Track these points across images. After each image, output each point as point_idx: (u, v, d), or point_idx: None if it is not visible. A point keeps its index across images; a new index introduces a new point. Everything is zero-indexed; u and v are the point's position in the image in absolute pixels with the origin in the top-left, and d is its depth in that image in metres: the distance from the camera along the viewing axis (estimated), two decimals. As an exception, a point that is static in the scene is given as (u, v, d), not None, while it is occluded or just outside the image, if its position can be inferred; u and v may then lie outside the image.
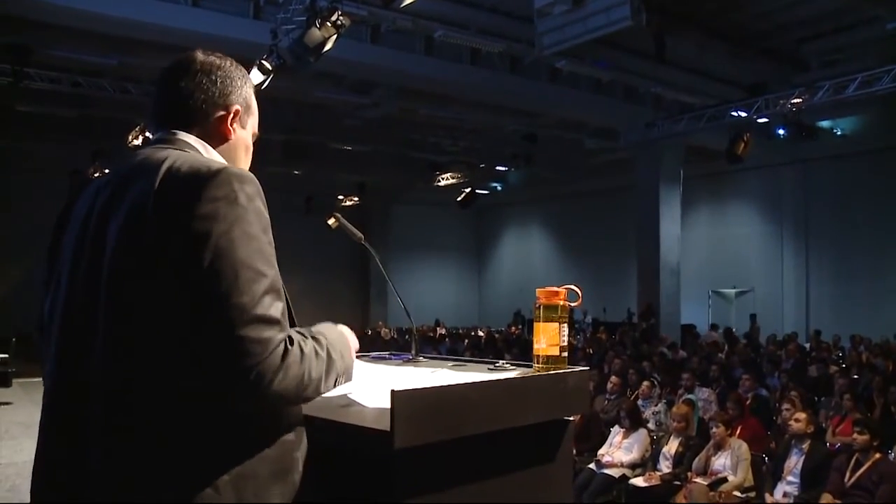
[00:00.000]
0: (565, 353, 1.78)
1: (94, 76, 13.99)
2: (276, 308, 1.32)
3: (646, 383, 8.90)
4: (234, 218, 1.31)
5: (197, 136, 1.54)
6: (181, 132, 1.54)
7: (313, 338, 1.43)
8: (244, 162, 1.65)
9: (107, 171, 16.15)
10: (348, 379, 1.54)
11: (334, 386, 1.48)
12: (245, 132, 1.65)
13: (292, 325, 1.51)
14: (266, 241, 1.36)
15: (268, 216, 1.39)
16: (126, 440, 1.30)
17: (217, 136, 1.58)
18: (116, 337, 1.33)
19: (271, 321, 1.30)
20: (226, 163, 1.48)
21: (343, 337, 1.57)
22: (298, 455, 1.44)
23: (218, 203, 1.31)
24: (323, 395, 1.46)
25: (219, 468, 1.30)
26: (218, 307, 1.26)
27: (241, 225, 1.31)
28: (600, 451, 7.30)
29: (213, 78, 1.57)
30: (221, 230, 1.29)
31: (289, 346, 1.32)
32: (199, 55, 1.59)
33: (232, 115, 1.59)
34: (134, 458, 1.29)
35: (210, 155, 1.54)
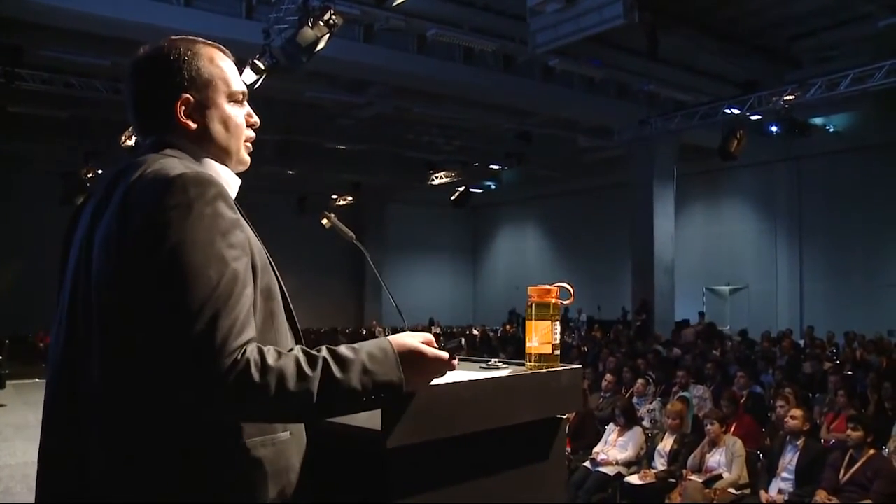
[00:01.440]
0: (558, 352, 1.78)
1: (87, 77, 13.94)
2: (227, 319, 1.24)
3: (640, 381, 8.92)
4: (186, 225, 1.27)
5: (170, 137, 1.49)
6: (157, 135, 1.50)
7: (310, 355, 1.30)
8: (231, 137, 1.56)
9: (100, 171, 16.25)
10: (396, 395, 1.35)
11: (366, 407, 1.35)
12: (214, 109, 1.52)
13: (290, 322, 1.51)
14: (225, 244, 1.30)
15: (233, 216, 1.34)
16: (121, 447, 1.30)
17: (180, 131, 1.50)
18: (104, 345, 1.33)
19: (216, 333, 1.22)
20: (186, 168, 1.36)
21: (380, 350, 1.36)
22: (295, 455, 1.43)
23: (171, 212, 1.27)
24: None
25: (212, 469, 1.31)
26: (166, 321, 1.24)
27: (193, 232, 1.27)
28: (595, 449, 7.30)
29: (151, 79, 1.50)
30: (174, 239, 1.25)
31: (238, 359, 1.22)
32: (136, 57, 1.53)
33: (183, 106, 1.49)
34: (127, 462, 1.30)
35: (191, 153, 1.49)
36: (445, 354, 1.43)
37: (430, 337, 1.45)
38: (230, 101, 1.55)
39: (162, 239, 1.25)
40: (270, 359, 1.25)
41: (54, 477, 1.41)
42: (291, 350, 1.31)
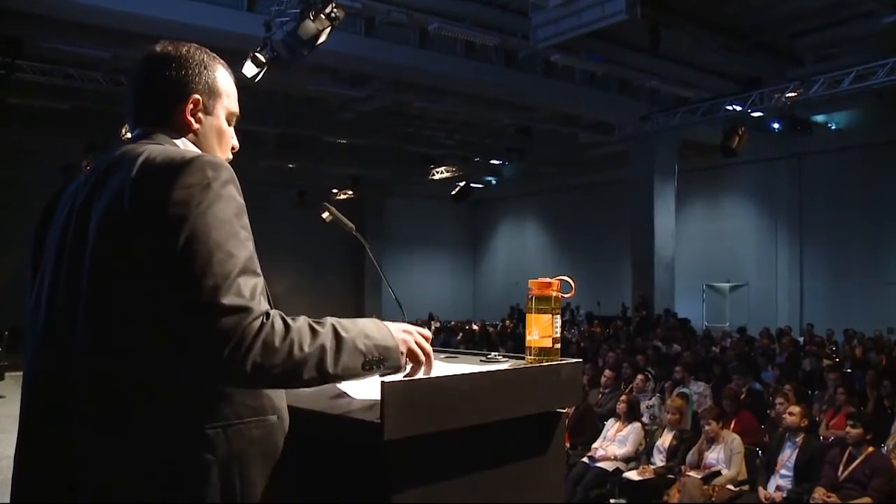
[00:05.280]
0: (558, 345, 1.77)
1: (87, 68, 13.92)
2: (249, 287, 1.32)
3: (640, 377, 8.92)
4: (207, 203, 1.33)
5: (167, 131, 1.55)
6: (153, 128, 1.55)
7: (316, 320, 1.42)
8: (219, 148, 1.64)
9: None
10: (394, 366, 1.48)
11: (366, 370, 1.44)
12: (214, 118, 1.61)
13: None
14: (239, 225, 1.37)
15: (242, 201, 1.41)
16: (112, 428, 1.31)
17: (181, 128, 1.57)
18: (99, 326, 1.34)
19: (244, 298, 1.30)
20: (200, 151, 1.49)
21: (378, 322, 1.52)
22: (280, 437, 1.45)
23: (191, 189, 1.33)
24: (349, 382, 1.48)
25: (206, 449, 1.33)
26: (191, 289, 1.28)
27: (214, 210, 1.33)
28: (594, 445, 7.31)
29: (168, 72, 1.55)
30: (195, 215, 1.31)
31: (265, 321, 1.31)
32: (156, 49, 1.58)
33: (191, 105, 1.57)
34: (120, 444, 1.31)
35: (186, 146, 1.54)
36: (428, 333, 1.59)
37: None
38: (226, 118, 1.65)
39: (183, 215, 1.30)
40: (289, 322, 1.35)
41: (42, 466, 1.40)
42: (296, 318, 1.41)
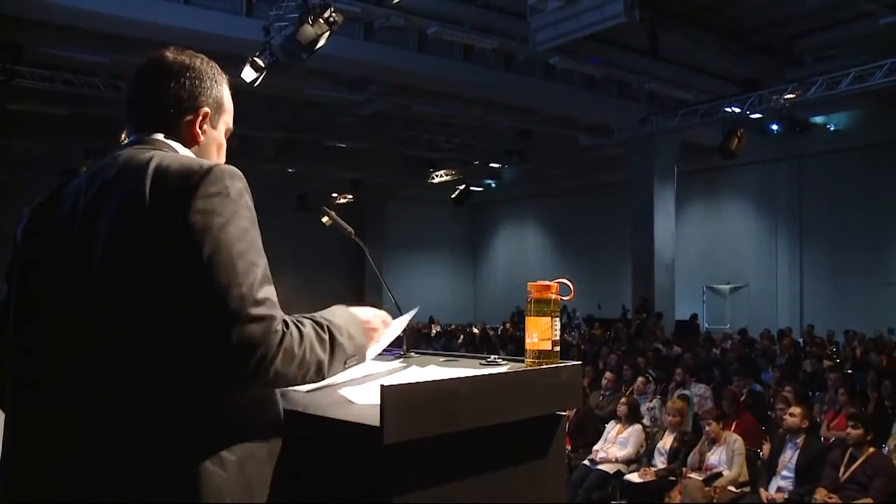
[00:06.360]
0: (557, 348, 1.77)
1: (87, 74, 13.94)
2: (270, 294, 1.37)
3: (641, 379, 8.92)
4: (230, 213, 1.36)
5: (169, 138, 1.56)
6: (155, 134, 1.55)
7: (316, 322, 1.48)
8: (217, 160, 1.64)
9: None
10: (362, 360, 1.59)
11: (344, 368, 1.53)
12: (216, 131, 1.66)
13: None
14: (255, 233, 1.41)
15: (254, 210, 1.43)
16: (127, 430, 1.31)
17: (187, 138, 1.59)
18: (115, 335, 1.33)
19: (268, 306, 1.35)
20: (212, 160, 1.51)
21: (354, 318, 1.60)
22: (280, 439, 1.47)
23: (213, 199, 1.35)
24: (326, 381, 1.52)
25: (225, 449, 1.34)
26: (218, 297, 1.30)
27: (235, 219, 1.37)
28: (595, 447, 7.30)
29: (182, 80, 1.58)
30: (219, 224, 1.34)
31: (285, 329, 1.36)
32: (168, 56, 1.60)
33: (200, 117, 1.60)
34: (141, 452, 1.31)
35: (187, 154, 1.55)
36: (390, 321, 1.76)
37: (383, 313, 1.75)
38: (224, 133, 1.70)
39: (207, 225, 1.33)
40: (301, 328, 1.41)
41: (51, 475, 1.37)
42: (301, 316, 1.47)
